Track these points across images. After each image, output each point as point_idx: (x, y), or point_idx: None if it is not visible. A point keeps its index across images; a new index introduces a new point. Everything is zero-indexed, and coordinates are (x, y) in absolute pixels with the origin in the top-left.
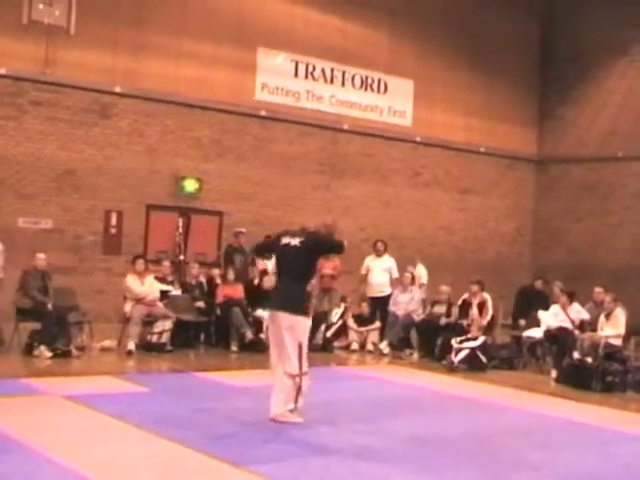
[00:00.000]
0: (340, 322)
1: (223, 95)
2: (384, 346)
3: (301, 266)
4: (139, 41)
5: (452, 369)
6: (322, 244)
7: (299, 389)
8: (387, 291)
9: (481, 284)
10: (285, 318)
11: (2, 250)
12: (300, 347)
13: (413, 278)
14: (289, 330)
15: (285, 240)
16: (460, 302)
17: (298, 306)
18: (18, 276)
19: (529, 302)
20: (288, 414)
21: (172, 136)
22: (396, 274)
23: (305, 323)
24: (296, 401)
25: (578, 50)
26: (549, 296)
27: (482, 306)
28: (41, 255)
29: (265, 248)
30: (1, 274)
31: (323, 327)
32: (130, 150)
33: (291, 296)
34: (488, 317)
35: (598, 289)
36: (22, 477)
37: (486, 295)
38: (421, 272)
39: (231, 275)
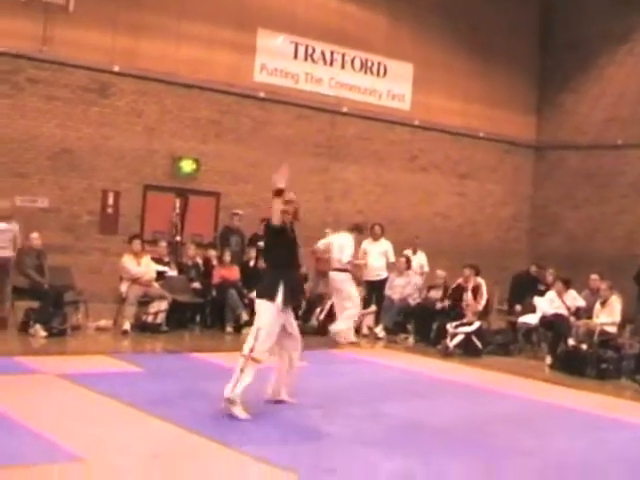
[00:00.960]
0: (330, 303)
1: (222, 76)
2: (379, 330)
3: (265, 252)
4: (138, 20)
5: (447, 354)
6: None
7: (241, 371)
8: (383, 275)
9: (475, 268)
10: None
11: (18, 230)
12: (257, 331)
13: (408, 262)
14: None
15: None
16: (454, 286)
17: (263, 290)
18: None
19: (524, 288)
20: (232, 406)
21: (170, 116)
22: (392, 258)
23: (265, 306)
24: (234, 386)
25: (577, 37)
26: (545, 282)
27: (476, 290)
28: (35, 235)
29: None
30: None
31: (318, 310)
32: (128, 130)
33: (262, 282)
34: (483, 301)
35: (594, 276)
36: (15, 453)
37: (480, 280)
38: (422, 260)
39: (227, 257)
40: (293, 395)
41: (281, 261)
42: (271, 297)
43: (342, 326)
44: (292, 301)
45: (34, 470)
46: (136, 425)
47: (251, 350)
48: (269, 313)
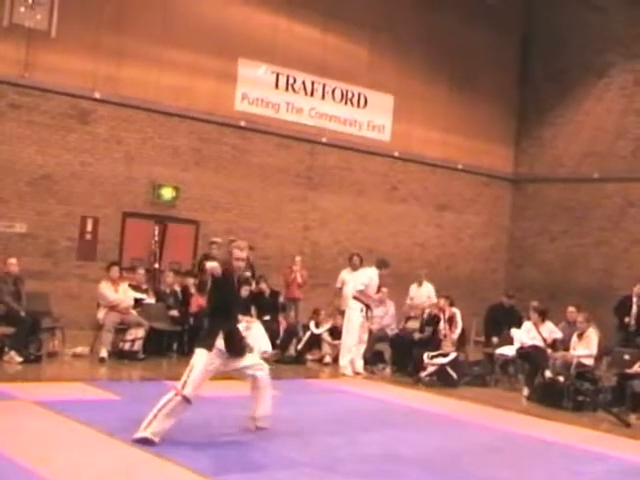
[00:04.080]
0: (309, 334)
1: (203, 104)
2: (361, 365)
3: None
4: (120, 47)
5: (418, 382)
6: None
7: (163, 406)
8: None
9: (449, 298)
10: None
11: None
12: (191, 369)
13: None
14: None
15: None
16: (428, 316)
17: (201, 339)
18: None
19: (500, 319)
20: (147, 433)
21: (150, 144)
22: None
23: (200, 353)
24: (150, 422)
25: (557, 71)
26: (520, 312)
27: (451, 320)
28: (12, 260)
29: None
30: None
31: (295, 340)
32: (108, 157)
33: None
34: (458, 330)
35: (571, 308)
36: None
37: (455, 309)
38: (430, 291)
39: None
40: (266, 420)
41: (220, 311)
42: (208, 347)
43: (342, 361)
44: (231, 352)
45: None
46: (113, 453)
47: (183, 386)
48: (203, 360)
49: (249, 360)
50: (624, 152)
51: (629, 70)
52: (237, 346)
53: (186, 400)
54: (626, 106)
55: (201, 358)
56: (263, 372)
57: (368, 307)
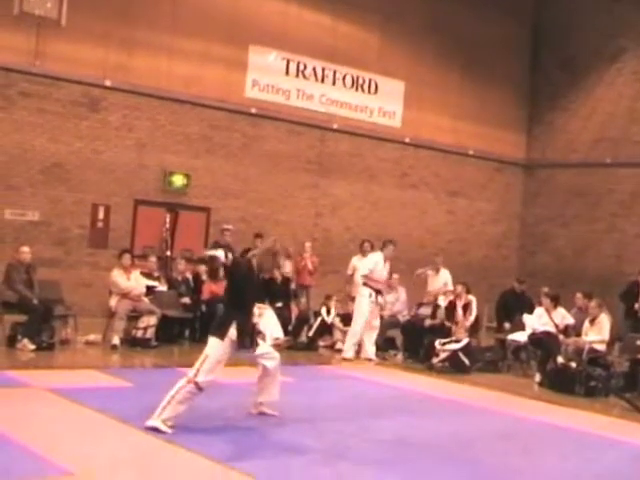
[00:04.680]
0: (320, 320)
1: (214, 92)
2: (373, 351)
3: (230, 297)
4: (130, 36)
5: (430, 369)
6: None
7: (177, 393)
8: None
9: (466, 285)
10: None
11: None
12: (205, 358)
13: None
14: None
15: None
16: (446, 304)
17: (214, 327)
18: (3, 268)
19: (512, 306)
20: (159, 422)
21: (161, 131)
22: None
23: (213, 342)
24: (164, 409)
25: (568, 56)
26: (531, 298)
27: (466, 307)
28: (25, 248)
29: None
30: None
31: (306, 327)
32: (119, 144)
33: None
34: (472, 318)
35: (579, 295)
36: (3, 468)
37: (471, 297)
38: (446, 278)
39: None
40: (275, 409)
41: (234, 301)
42: (221, 336)
43: (345, 344)
44: (242, 345)
45: None
46: (125, 440)
47: (195, 374)
48: (216, 349)
49: (260, 349)
50: (637, 137)
51: None
52: (248, 339)
53: (198, 388)
54: (638, 91)
55: (214, 347)
56: (273, 361)
57: (379, 292)
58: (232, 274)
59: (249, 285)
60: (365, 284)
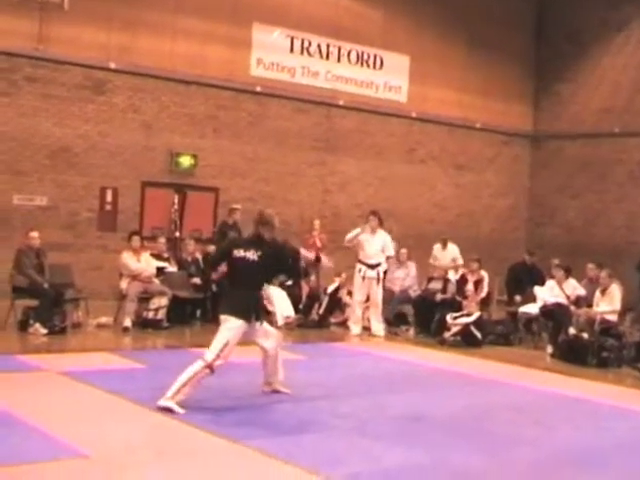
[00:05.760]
0: (328, 295)
1: (218, 71)
2: (380, 329)
3: (259, 280)
4: (134, 17)
5: (443, 343)
6: (283, 263)
7: (194, 375)
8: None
9: (479, 262)
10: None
11: None
12: (224, 341)
13: (409, 254)
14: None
15: (239, 253)
16: (458, 278)
17: (225, 307)
18: (13, 254)
19: (522, 278)
20: (172, 403)
21: (167, 112)
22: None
23: (234, 324)
24: (178, 391)
25: (574, 27)
26: (541, 270)
27: (478, 284)
28: (34, 234)
29: (219, 261)
30: None
31: (317, 305)
32: (125, 126)
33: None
34: (483, 294)
35: (590, 265)
36: (18, 451)
37: (483, 273)
38: (454, 252)
39: None
40: (288, 386)
41: (232, 280)
42: (247, 318)
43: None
44: (249, 318)
45: (38, 467)
46: (140, 421)
47: (215, 359)
48: (237, 332)
49: (261, 329)
50: None
51: None
52: (257, 317)
53: (212, 371)
54: None
55: (235, 330)
56: (271, 342)
57: (371, 267)
58: (277, 265)
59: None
60: (359, 260)
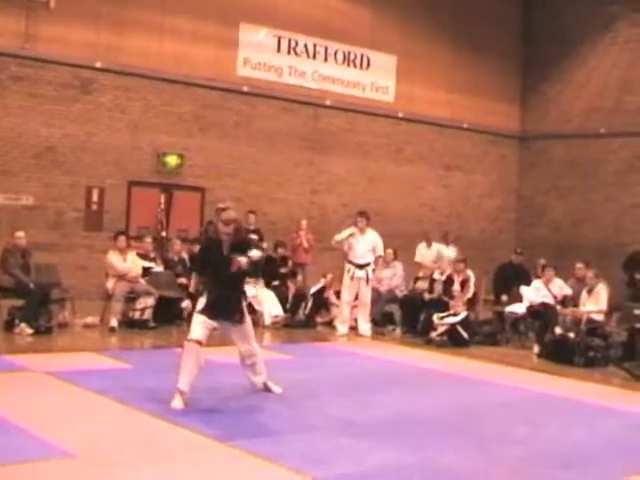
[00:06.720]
0: (313, 295)
1: (205, 71)
2: (367, 328)
3: (242, 277)
4: (121, 16)
5: (429, 343)
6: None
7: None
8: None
9: (465, 262)
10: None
11: None
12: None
13: (395, 254)
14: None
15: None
16: (444, 278)
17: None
18: None
19: (509, 278)
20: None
21: (154, 112)
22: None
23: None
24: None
25: (561, 27)
26: (528, 270)
27: (464, 283)
28: (20, 233)
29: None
30: None
31: (303, 305)
32: (112, 126)
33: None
34: (469, 294)
35: (579, 265)
36: (5, 451)
37: (470, 272)
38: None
39: None
40: (277, 383)
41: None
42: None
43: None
44: (216, 318)
45: (24, 468)
46: (126, 421)
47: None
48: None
49: (238, 332)
50: (631, 106)
51: (635, 23)
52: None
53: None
54: (632, 60)
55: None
56: (245, 346)
57: (360, 267)
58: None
59: (220, 262)
60: (347, 260)
